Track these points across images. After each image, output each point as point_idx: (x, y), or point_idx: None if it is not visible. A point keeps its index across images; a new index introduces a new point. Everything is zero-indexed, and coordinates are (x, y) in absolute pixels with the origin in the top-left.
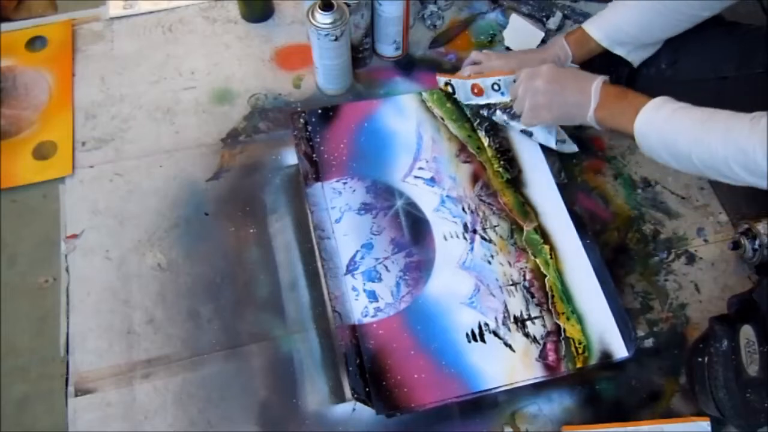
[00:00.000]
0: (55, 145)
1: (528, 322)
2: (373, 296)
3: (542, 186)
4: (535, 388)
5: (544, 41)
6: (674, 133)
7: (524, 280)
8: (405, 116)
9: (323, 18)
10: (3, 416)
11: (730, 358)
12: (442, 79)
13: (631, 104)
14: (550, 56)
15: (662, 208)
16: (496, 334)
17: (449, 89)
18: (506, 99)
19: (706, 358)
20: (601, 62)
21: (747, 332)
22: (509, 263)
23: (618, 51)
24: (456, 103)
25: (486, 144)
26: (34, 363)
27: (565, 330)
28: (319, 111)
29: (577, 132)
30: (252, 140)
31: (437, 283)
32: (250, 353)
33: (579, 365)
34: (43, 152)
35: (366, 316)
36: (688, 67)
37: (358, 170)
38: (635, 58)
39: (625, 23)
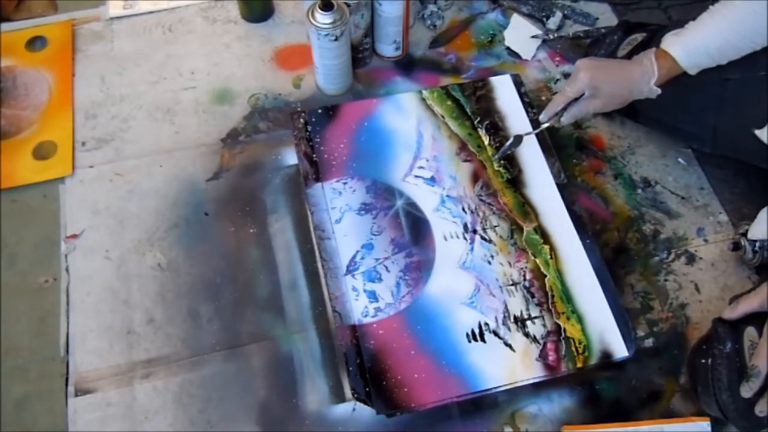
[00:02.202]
0: (55, 145)
1: (528, 322)
2: (373, 296)
3: (542, 186)
4: (535, 388)
5: (544, 41)
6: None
7: (524, 280)
8: (405, 114)
9: (323, 18)
10: (3, 416)
11: (734, 360)
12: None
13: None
14: (639, 72)
15: (662, 208)
16: (496, 333)
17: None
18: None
19: (709, 360)
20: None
21: (751, 334)
22: (509, 263)
23: (692, 72)
24: (456, 101)
25: (486, 143)
26: (34, 363)
27: (565, 330)
28: (319, 111)
29: (577, 132)
30: (252, 140)
31: (437, 283)
32: (250, 353)
33: (579, 365)
34: (43, 152)
35: (366, 316)
36: None
37: (358, 170)
38: (694, 71)
39: (707, 41)
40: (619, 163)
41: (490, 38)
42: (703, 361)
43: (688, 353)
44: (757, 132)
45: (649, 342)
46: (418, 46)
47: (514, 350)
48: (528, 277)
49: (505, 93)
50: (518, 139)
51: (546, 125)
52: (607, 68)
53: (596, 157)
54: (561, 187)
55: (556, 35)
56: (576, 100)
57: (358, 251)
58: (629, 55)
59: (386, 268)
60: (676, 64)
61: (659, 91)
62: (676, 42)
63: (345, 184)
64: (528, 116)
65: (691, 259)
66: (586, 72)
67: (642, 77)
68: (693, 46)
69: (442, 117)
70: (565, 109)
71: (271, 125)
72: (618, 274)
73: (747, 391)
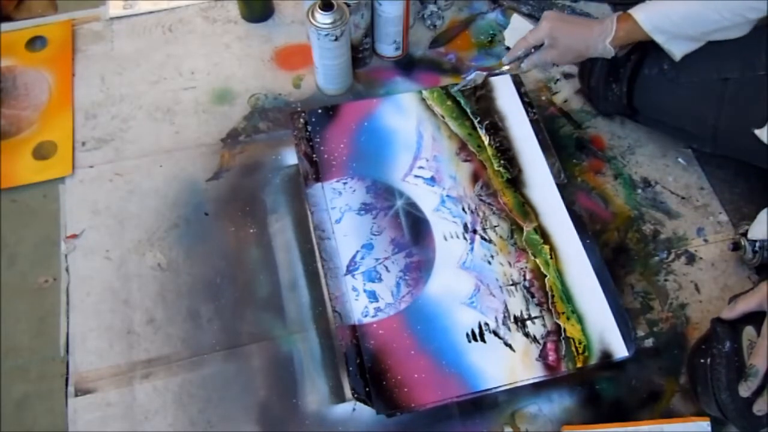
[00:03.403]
0: (55, 145)
1: (528, 322)
2: (373, 296)
3: (542, 186)
4: (535, 388)
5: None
6: (673, 6)
7: (524, 280)
8: (405, 114)
9: (323, 18)
10: (3, 416)
11: (733, 360)
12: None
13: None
14: (598, 29)
15: (662, 208)
16: (496, 333)
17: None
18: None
19: (708, 360)
20: (600, 69)
21: (750, 333)
22: (509, 263)
23: (657, 38)
24: (456, 101)
25: (486, 143)
26: (34, 363)
27: (565, 330)
28: (319, 111)
29: (577, 132)
30: (252, 140)
31: (437, 283)
32: (250, 353)
33: (579, 365)
34: (43, 152)
35: (366, 316)
36: (690, 68)
37: (358, 170)
38: (673, 49)
39: (670, 9)
40: (619, 163)
41: (490, 38)
42: (702, 360)
43: (687, 353)
44: (757, 132)
45: (649, 342)
46: (418, 46)
47: (514, 350)
48: (528, 277)
49: (505, 93)
50: (479, 76)
51: (506, 68)
52: (569, 22)
53: (596, 157)
54: (561, 187)
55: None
56: (537, 49)
57: (358, 251)
58: (629, 55)
59: (386, 268)
60: (637, 26)
61: (613, 51)
62: (640, 7)
63: (345, 184)
64: (528, 116)
65: (691, 259)
66: (548, 22)
67: (600, 35)
68: (655, 10)
69: (442, 117)
70: (527, 56)
71: (271, 125)
72: (618, 274)
73: (745, 390)
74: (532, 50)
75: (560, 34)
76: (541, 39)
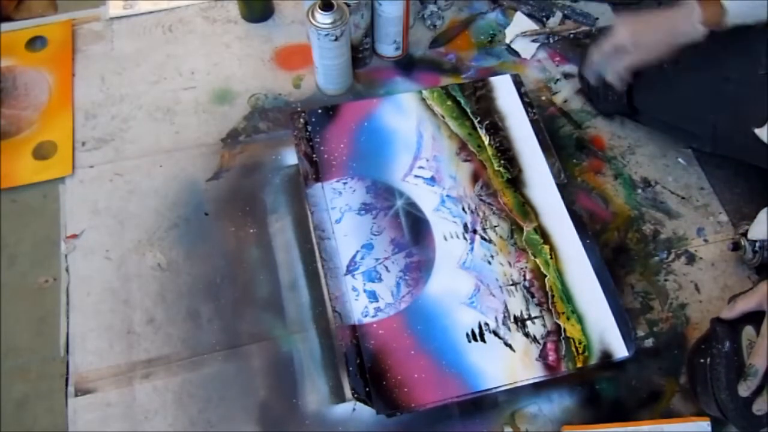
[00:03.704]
0: (55, 145)
1: (528, 322)
2: (373, 296)
3: (542, 186)
4: (535, 388)
5: (543, 44)
6: None
7: (524, 280)
8: (405, 114)
9: (323, 18)
10: (3, 416)
11: (733, 359)
12: None
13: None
14: (683, 13)
15: (662, 208)
16: (496, 333)
17: None
18: None
19: (708, 360)
20: None
21: (749, 333)
22: (509, 263)
23: (730, 23)
24: (456, 101)
25: (486, 143)
26: (34, 363)
27: (565, 330)
28: (319, 111)
29: (577, 132)
30: (252, 140)
31: (437, 283)
32: (250, 353)
33: (579, 365)
34: (43, 152)
35: (366, 316)
36: (690, 66)
37: (358, 170)
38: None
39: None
40: (619, 163)
41: (490, 38)
42: (702, 360)
43: (687, 353)
44: (757, 131)
45: (649, 342)
46: (418, 46)
47: (514, 350)
48: (528, 277)
49: (505, 93)
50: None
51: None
52: (646, 18)
53: (596, 157)
54: (561, 187)
55: (551, 39)
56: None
57: (358, 251)
58: None
59: (386, 268)
60: (719, 10)
61: (706, 30)
62: None
63: (345, 184)
64: (528, 116)
65: (691, 259)
66: (625, 25)
67: (686, 18)
68: None
69: (442, 117)
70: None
71: (271, 125)
72: (618, 274)
73: (744, 389)
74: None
75: (644, 33)
76: (622, 45)
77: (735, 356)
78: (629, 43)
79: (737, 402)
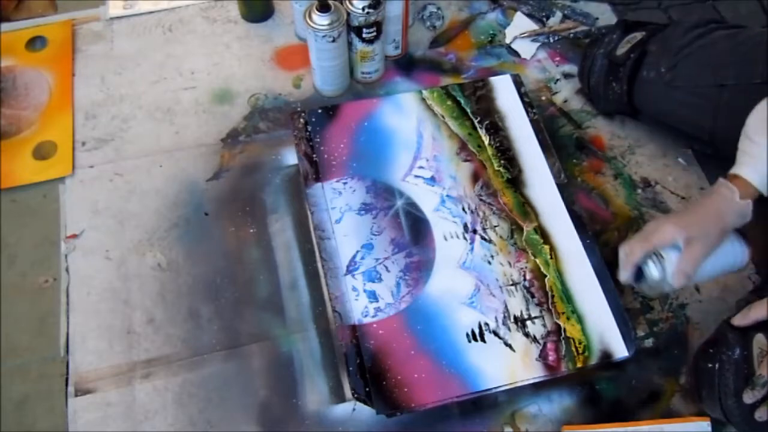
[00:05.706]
0: (55, 145)
1: (528, 322)
2: (373, 296)
3: (542, 186)
4: (535, 388)
5: (543, 43)
6: None
7: (524, 280)
8: (405, 114)
9: (320, 19)
10: (3, 416)
11: (742, 367)
12: None
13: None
14: (724, 199)
15: (662, 208)
16: (496, 333)
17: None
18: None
19: (716, 365)
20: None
21: (760, 341)
22: (509, 263)
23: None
24: (456, 101)
25: (486, 142)
26: (34, 363)
27: (565, 330)
28: (319, 111)
29: (577, 132)
30: (252, 140)
31: (437, 283)
32: (250, 353)
33: (579, 365)
34: (43, 152)
35: (366, 316)
36: (687, 73)
37: (358, 170)
38: None
39: None
40: (619, 163)
41: (490, 38)
42: (710, 365)
43: (692, 355)
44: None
45: (649, 342)
46: (418, 46)
47: (514, 350)
48: (528, 277)
49: (505, 93)
50: None
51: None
52: (690, 214)
53: (596, 157)
54: (561, 187)
55: (552, 39)
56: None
57: (358, 251)
58: (628, 54)
59: (386, 268)
60: (751, 187)
61: (750, 204)
62: (748, 165)
63: (345, 184)
64: (528, 116)
65: None
66: (671, 226)
67: (726, 200)
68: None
69: (442, 117)
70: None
71: (271, 125)
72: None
73: (749, 397)
74: (659, 257)
75: (694, 228)
76: (669, 243)
77: (744, 364)
78: (682, 240)
79: (743, 409)
